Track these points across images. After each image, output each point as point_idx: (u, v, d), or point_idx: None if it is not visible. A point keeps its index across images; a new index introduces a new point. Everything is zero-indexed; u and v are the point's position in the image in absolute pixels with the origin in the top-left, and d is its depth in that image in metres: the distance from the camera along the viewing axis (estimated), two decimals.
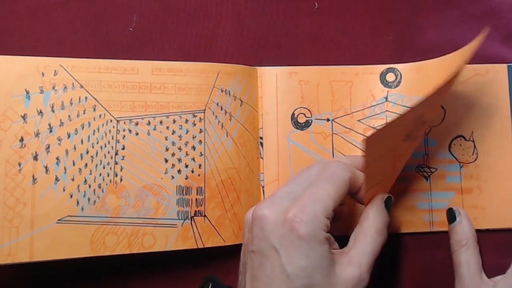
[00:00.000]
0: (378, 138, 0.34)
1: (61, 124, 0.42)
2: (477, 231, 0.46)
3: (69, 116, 0.42)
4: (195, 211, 0.44)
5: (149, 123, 0.44)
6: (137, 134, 0.44)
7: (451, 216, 0.46)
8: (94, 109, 0.43)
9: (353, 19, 0.50)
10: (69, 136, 0.42)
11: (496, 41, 0.50)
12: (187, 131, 0.45)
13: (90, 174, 0.42)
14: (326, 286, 0.34)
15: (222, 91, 0.46)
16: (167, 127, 0.45)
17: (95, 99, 0.43)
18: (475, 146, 0.48)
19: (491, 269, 0.45)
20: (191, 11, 0.50)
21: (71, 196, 0.41)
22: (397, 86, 0.48)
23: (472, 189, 0.48)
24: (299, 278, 0.34)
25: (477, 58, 0.49)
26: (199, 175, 0.45)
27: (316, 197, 0.36)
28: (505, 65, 0.49)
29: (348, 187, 0.38)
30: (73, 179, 0.42)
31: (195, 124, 0.45)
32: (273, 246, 0.35)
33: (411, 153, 0.44)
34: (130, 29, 0.48)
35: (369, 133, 0.34)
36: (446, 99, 0.48)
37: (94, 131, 0.43)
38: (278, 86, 0.48)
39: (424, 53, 0.49)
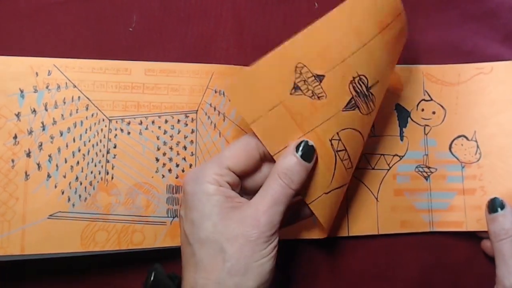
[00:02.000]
0: (244, 85, 0.35)
1: (54, 122, 0.43)
2: (481, 232, 0.46)
3: (62, 114, 0.43)
4: None
5: (141, 123, 0.45)
6: (129, 133, 0.45)
7: (497, 204, 0.45)
8: (87, 108, 0.44)
9: None
10: (61, 134, 0.43)
11: (496, 41, 0.49)
12: (179, 131, 0.45)
13: (82, 171, 0.43)
14: (220, 232, 0.34)
15: (216, 92, 0.46)
16: (159, 127, 0.45)
17: (87, 98, 0.44)
18: (478, 146, 0.47)
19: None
20: (191, 11, 0.50)
21: (63, 193, 0.42)
22: None
23: (475, 189, 0.47)
24: (193, 233, 0.35)
25: (478, 58, 0.48)
26: None
27: (209, 160, 0.38)
28: (511, 62, 0.48)
29: (253, 150, 0.37)
30: (64, 176, 0.43)
31: (187, 125, 0.46)
32: (180, 214, 0.37)
33: (331, 113, 0.37)
34: (130, 29, 0.49)
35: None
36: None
37: (86, 129, 0.44)
38: None
39: (424, 53, 0.48)
